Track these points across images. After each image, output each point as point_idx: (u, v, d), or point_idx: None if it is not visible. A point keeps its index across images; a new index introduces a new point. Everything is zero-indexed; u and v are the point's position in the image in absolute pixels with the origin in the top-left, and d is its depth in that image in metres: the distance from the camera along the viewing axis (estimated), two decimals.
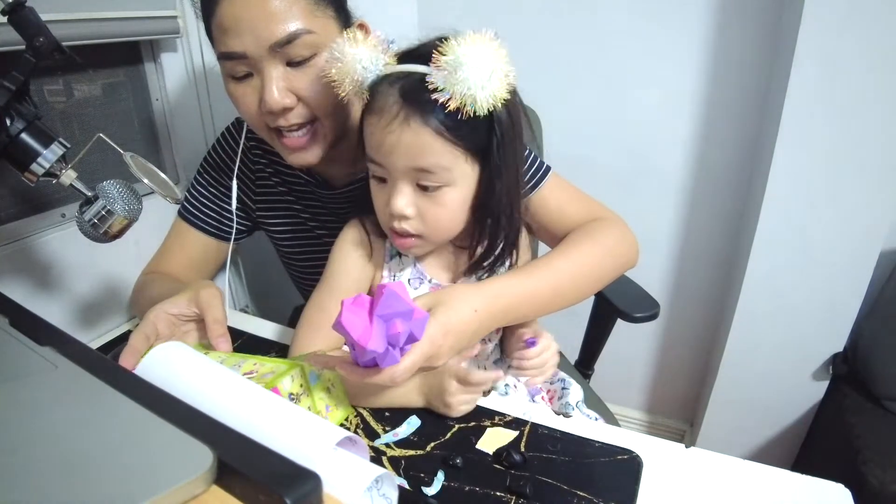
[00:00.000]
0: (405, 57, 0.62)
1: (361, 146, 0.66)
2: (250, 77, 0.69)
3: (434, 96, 0.56)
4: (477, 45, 0.55)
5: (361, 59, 0.61)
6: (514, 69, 0.58)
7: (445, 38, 0.57)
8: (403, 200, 0.63)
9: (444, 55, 0.56)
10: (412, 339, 0.57)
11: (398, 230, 0.66)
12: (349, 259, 0.73)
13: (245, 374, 0.62)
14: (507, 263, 0.73)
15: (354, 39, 0.61)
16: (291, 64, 0.68)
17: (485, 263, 0.71)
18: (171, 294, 0.75)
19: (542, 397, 0.79)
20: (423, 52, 0.59)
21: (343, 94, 0.63)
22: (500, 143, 0.62)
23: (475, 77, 0.55)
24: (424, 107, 0.58)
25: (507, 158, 0.63)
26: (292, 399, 0.61)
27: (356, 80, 0.62)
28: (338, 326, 0.54)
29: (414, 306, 0.55)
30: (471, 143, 0.61)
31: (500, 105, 0.58)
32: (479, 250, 0.69)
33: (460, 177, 0.63)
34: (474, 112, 0.57)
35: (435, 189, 0.62)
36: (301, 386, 0.62)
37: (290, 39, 0.66)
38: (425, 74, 0.57)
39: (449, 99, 0.56)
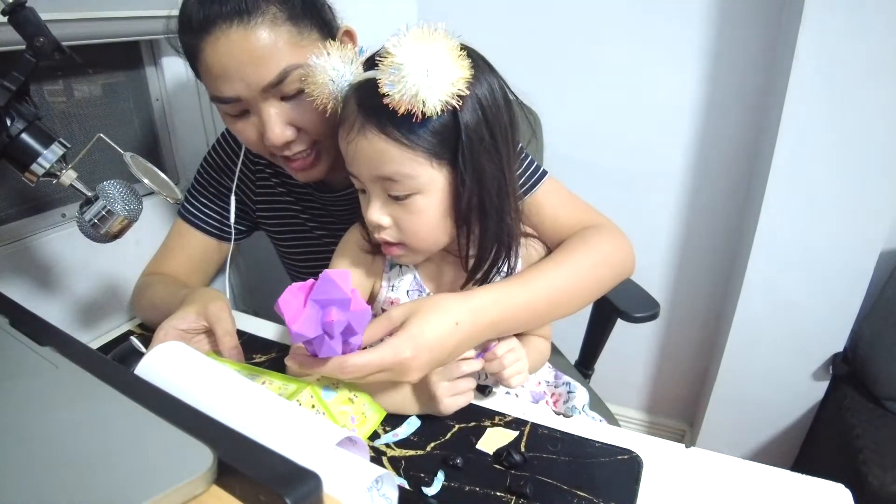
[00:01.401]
0: (368, 62, 0.60)
1: None
2: (247, 114, 0.69)
3: (385, 101, 0.54)
4: (415, 42, 0.52)
5: (328, 71, 0.60)
6: (463, 63, 0.54)
7: (386, 46, 0.54)
8: (376, 211, 0.62)
9: (387, 57, 0.53)
10: (351, 331, 0.55)
11: (379, 240, 0.65)
12: (349, 267, 0.71)
13: None
14: (504, 272, 0.69)
15: (326, 52, 0.60)
16: (286, 98, 0.68)
17: (478, 274, 0.67)
18: (173, 298, 0.75)
19: (547, 401, 0.79)
20: (375, 58, 0.57)
21: (319, 107, 0.62)
22: (467, 146, 0.58)
23: (417, 76, 0.52)
24: (379, 113, 0.56)
25: (479, 162, 0.59)
26: None
27: (330, 92, 0.61)
28: (276, 307, 0.52)
29: (352, 296, 0.53)
30: (433, 147, 0.58)
31: (456, 104, 0.55)
32: (471, 260, 0.66)
33: (428, 183, 0.59)
34: (429, 113, 0.54)
35: (405, 197, 0.60)
36: (313, 406, 0.61)
37: (282, 78, 0.65)
38: (378, 79, 0.55)
39: (398, 102, 0.53)
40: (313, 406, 0.61)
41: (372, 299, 0.74)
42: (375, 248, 0.70)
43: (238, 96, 0.66)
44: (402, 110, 0.54)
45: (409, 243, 0.64)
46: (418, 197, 0.60)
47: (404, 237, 0.63)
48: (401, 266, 0.72)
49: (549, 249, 0.78)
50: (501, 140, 0.61)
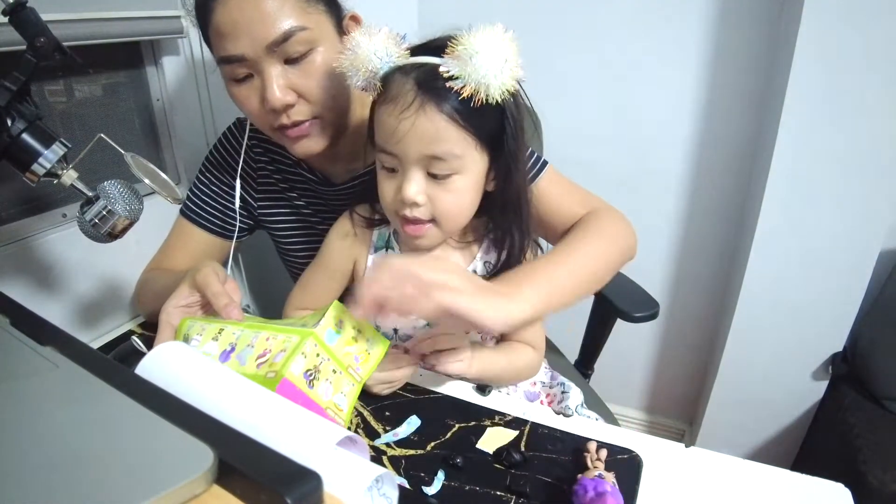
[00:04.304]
0: (417, 50, 0.63)
1: (371, 138, 0.66)
2: (251, 78, 0.70)
3: (449, 84, 0.58)
4: (491, 35, 0.58)
5: (376, 50, 0.62)
6: (521, 60, 0.60)
7: (454, 37, 0.59)
8: (415, 188, 0.63)
9: (459, 46, 0.58)
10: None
11: (410, 218, 0.65)
12: (337, 244, 0.76)
13: (258, 357, 0.61)
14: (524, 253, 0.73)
15: (369, 33, 0.63)
16: (289, 61, 0.69)
17: (503, 254, 0.71)
18: (174, 285, 0.75)
19: (542, 401, 0.79)
20: (434, 46, 0.62)
21: (355, 85, 0.64)
22: (512, 132, 0.64)
23: (489, 65, 0.57)
24: (440, 94, 0.60)
25: (518, 146, 0.65)
26: (309, 377, 0.59)
27: (370, 70, 0.63)
28: None
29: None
30: (482, 131, 0.62)
31: (509, 94, 0.60)
32: (503, 243, 0.71)
33: (470, 164, 0.64)
34: (486, 100, 0.58)
35: (445, 177, 0.63)
36: (318, 356, 0.60)
37: (286, 37, 0.67)
38: (438, 65, 0.59)
39: (463, 86, 0.58)
40: (318, 355, 0.60)
41: (356, 273, 0.78)
42: (370, 224, 0.75)
43: (243, 54, 0.67)
44: (466, 94, 0.58)
45: (441, 221, 0.66)
46: (457, 177, 0.64)
47: (438, 215, 0.66)
48: (387, 249, 0.75)
49: (545, 236, 0.82)
50: (522, 130, 0.66)
